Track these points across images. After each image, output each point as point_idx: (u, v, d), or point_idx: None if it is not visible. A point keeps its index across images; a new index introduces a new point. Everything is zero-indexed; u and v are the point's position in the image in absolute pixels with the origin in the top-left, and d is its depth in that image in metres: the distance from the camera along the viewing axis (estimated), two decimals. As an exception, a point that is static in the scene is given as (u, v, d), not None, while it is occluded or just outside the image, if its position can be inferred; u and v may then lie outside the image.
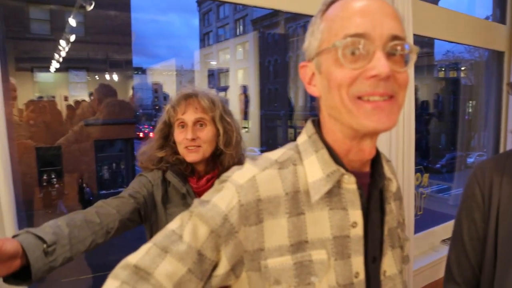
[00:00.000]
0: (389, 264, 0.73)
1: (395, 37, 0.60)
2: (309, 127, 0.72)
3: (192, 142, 1.22)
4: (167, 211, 1.23)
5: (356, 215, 0.67)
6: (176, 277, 0.62)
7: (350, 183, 0.67)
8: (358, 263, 0.67)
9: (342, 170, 0.67)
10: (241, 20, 21.52)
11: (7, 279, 0.78)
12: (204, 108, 1.23)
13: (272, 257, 0.65)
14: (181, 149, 1.25)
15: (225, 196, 0.66)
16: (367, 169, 0.71)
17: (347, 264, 0.67)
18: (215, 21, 23.80)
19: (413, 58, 0.63)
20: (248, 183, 0.66)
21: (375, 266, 0.71)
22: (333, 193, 0.67)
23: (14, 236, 0.81)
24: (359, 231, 0.68)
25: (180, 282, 0.63)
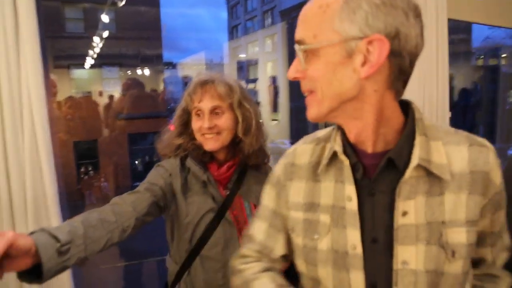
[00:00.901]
0: (412, 256, 0.70)
1: (298, 41, 0.69)
2: None
3: (209, 130, 1.20)
4: (187, 200, 1.22)
5: (350, 189, 0.74)
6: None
7: (344, 159, 0.74)
8: (354, 236, 0.72)
9: (336, 149, 0.75)
10: (269, 12, 21.39)
11: (20, 276, 0.78)
12: (221, 95, 1.20)
13: (292, 210, 0.81)
14: (198, 137, 1.22)
15: (279, 161, 0.88)
16: (369, 150, 0.73)
17: (342, 233, 0.74)
18: (243, 14, 23.78)
19: (303, 55, 0.69)
20: (291, 152, 0.86)
21: (379, 248, 0.72)
22: (337, 166, 0.76)
23: (30, 234, 0.81)
24: (353, 205, 0.73)
25: (268, 235, 0.87)
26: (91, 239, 0.91)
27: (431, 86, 2.02)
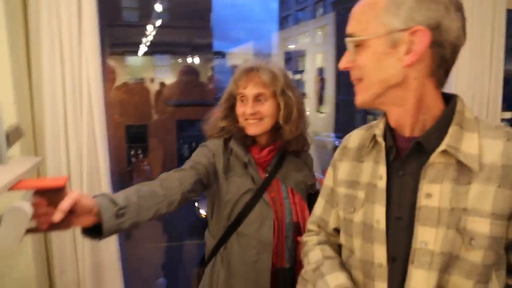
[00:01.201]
0: (432, 238, 0.73)
1: (348, 35, 0.76)
2: None
3: (252, 116, 1.24)
4: (228, 179, 1.27)
5: (382, 169, 0.81)
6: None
7: (381, 143, 0.83)
8: (379, 212, 0.79)
9: (376, 132, 0.84)
10: (321, 2, 20.97)
11: (83, 232, 0.91)
12: (264, 83, 1.23)
13: (338, 186, 0.92)
14: (242, 121, 1.27)
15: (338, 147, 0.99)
16: (406, 134, 0.79)
17: (371, 208, 0.81)
18: (294, 4, 23.47)
19: (353, 46, 0.76)
20: (347, 137, 0.96)
21: (402, 225, 0.77)
22: (376, 149, 0.85)
23: (93, 197, 0.93)
24: (382, 184, 0.80)
25: (324, 209, 0.99)
26: (142, 208, 1.01)
27: (482, 81, 1.92)
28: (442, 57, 0.74)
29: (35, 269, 1.57)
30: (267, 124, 1.25)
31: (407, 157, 0.78)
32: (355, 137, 0.93)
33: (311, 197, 1.33)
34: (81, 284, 1.69)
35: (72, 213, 0.80)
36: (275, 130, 1.28)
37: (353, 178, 0.88)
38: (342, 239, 0.91)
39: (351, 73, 0.80)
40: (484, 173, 0.72)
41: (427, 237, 0.73)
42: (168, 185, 1.12)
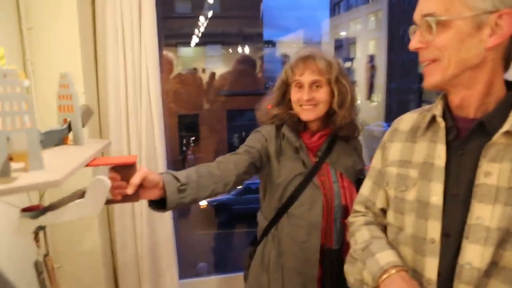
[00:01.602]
0: (488, 214, 0.75)
1: (425, 15, 0.76)
2: None
3: (308, 102, 1.28)
4: (280, 163, 1.32)
5: (440, 148, 0.83)
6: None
7: (441, 122, 0.84)
8: (437, 189, 0.81)
9: (436, 113, 0.85)
10: (374, -13, 20.15)
11: (150, 204, 1.02)
12: (320, 70, 1.27)
13: (389, 166, 0.94)
14: (296, 107, 1.31)
15: (388, 129, 1.02)
16: (470, 115, 0.82)
17: (427, 186, 0.83)
18: (347, -10, 22.73)
19: (435, 25, 0.75)
20: (398, 119, 0.99)
21: (458, 203, 0.79)
22: (433, 129, 0.87)
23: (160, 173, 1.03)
24: (441, 162, 0.82)
25: (372, 191, 1.02)
26: (201, 186, 1.11)
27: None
28: None
29: (100, 244, 1.72)
30: (321, 110, 1.30)
31: (468, 137, 0.80)
32: (407, 120, 0.96)
33: (360, 182, 1.35)
34: (140, 259, 1.83)
35: (141, 187, 0.90)
36: (327, 116, 1.33)
37: (405, 158, 0.90)
38: (391, 217, 0.94)
39: (422, 53, 0.80)
40: None
41: (483, 214, 0.75)
42: (224, 167, 1.20)
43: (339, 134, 1.35)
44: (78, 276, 1.70)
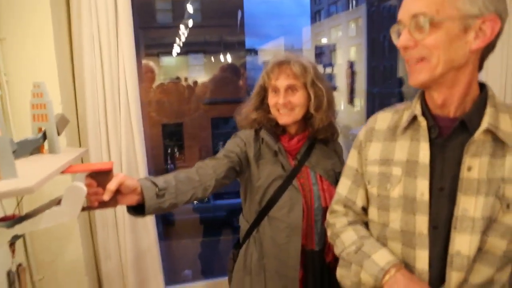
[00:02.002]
0: (472, 205, 0.82)
1: (415, 15, 0.79)
2: None
3: (284, 106, 1.30)
4: (259, 167, 1.34)
5: (424, 146, 0.87)
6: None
7: (422, 122, 0.88)
8: (423, 185, 0.86)
9: (416, 112, 0.89)
10: (353, -6, 20.47)
11: (128, 210, 1.02)
12: (295, 75, 1.29)
13: (369, 165, 0.97)
14: (274, 111, 1.34)
15: (363, 127, 1.04)
16: (451, 114, 0.87)
17: (413, 183, 0.87)
18: (327, -2, 23.05)
19: (428, 24, 0.78)
20: (372, 119, 1.02)
21: (444, 196, 0.85)
22: (413, 129, 0.91)
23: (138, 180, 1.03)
24: (426, 159, 0.86)
25: (350, 190, 1.04)
26: (180, 191, 1.12)
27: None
28: (493, 44, 0.81)
29: (83, 254, 1.71)
30: (298, 113, 1.32)
31: (451, 135, 0.86)
32: (382, 119, 1.00)
33: None
34: (124, 268, 1.82)
35: (118, 193, 0.92)
36: (305, 119, 1.36)
37: (386, 157, 0.94)
38: (374, 215, 0.97)
39: (410, 52, 0.83)
40: None
41: (468, 205, 0.82)
42: (203, 172, 1.22)
43: (317, 136, 1.38)
44: (62, 287, 1.68)
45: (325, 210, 1.36)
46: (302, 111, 1.33)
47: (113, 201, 0.93)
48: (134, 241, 1.81)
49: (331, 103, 1.36)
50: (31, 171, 0.73)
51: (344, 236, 1.02)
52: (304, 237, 1.33)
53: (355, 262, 0.96)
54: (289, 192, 1.32)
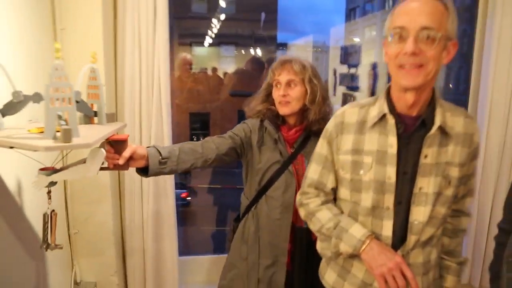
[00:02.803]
0: (426, 184, 1.05)
1: (424, 28, 0.92)
2: (387, 86, 1.13)
3: (284, 98, 1.49)
4: (261, 152, 1.54)
5: (392, 140, 1.04)
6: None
7: (390, 119, 1.05)
8: (390, 171, 1.05)
9: (386, 111, 1.05)
10: (391, -6, 20.06)
11: (137, 171, 1.32)
12: (295, 71, 1.48)
13: (342, 154, 1.12)
14: (276, 104, 1.53)
15: (330, 121, 1.18)
16: (413, 113, 1.05)
17: (382, 169, 1.05)
18: (363, -4, 22.66)
19: (436, 39, 0.93)
20: (340, 113, 1.15)
21: (406, 179, 1.06)
22: (382, 124, 1.06)
23: (147, 147, 1.31)
24: (393, 150, 1.04)
25: (321, 174, 1.19)
26: (182, 160, 1.36)
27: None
28: None
29: (112, 215, 1.98)
30: (295, 105, 1.50)
31: (414, 131, 1.05)
32: (350, 114, 1.14)
33: None
34: (145, 230, 2.09)
35: (130, 159, 1.18)
36: (302, 113, 1.53)
37: (357, 147, 1.10)
38: (346, 195, 1.15)
39: (413, 58, 0.94)
40: (455, 139, 1.06)
41: (423, 184, 1.05)
42: (207, 146, 1.44)
43: (312, 128, 1.54)
44: (92, 241, 1.97)
45: None
46: (299, 104, 1.50)
47: (125, 165, 1.20)
48: (155, 207, 2.08)
49: (325, 99, 1.52)
50: (88, 134, 0.99)
51: (320, 214, 1.18)
52: (294, 215, 1.51)
53: (335, 236, 1.13)
54: (284, 176, 1.52)
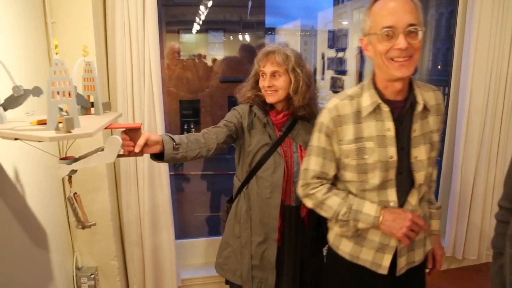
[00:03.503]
0: (419, 153, 1.24)
1: (410, 25, 1.07)
2: (369, 76, 1.26)
3: (269, 88, 1.57)
4: (251, 135, 1.63)
5: (389, 124, 1.20)
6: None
7: (384, 107, 1.20)
8: (391, 151, 1.21)
9: (379, 101, 1.20)
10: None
11: (151, 156, 1.37)
12: (278, 63, 1.54)
13: (346, 144, 1.24)
14: (263, 92, 1.61)
15: (323, 115, 1.27)
16: (400, 98, 1.22)
17: (384, 150, 1.21)
18: (350, -22, 22.53)
19: (421, 33, 1.09)
20: (333, 107, 1.25)
21: (404, 153, 1.23)
22: (376, 112, 1.21)
23: (160, 135, 1.36)
24: (391, 133, 1.21)
25: (323, 165, 1.31)
26: (190, 148, 1.44)
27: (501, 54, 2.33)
28: None
29: (109, 203, 2.04)
30: (281, 94, 1.58)
31: (404, 113, 1.23)
32: (342, 107, 1.25)
33: None
34: (142, 218, 2.16)
35: (145, 145, 1.24)
36: (289, 99, 1.61)
37: (358, 136, 1.23)
38: (352, 177, 1.28)
39: (405, 52, 1.09)
40: (431, 111, 1.26)
41: (417, 154, 1.24)
42: (208, 137, 1.52)
43: (297, 114, 1.63)
44: (91, 230, 2.03)
45: None
46: (285, 93, 1.58)
47: (140, 152, 1.25)
48: (151, 195, 2.14)
49: (308, 86, 1.58)
50: (88, 124, 1.05)
51: (330, 201, 1.31)
52: (283, 194, 1.61)
53: (352, 219, 1.27)
54: (273, 157, 1.60)
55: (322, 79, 5.91)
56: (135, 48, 1.91)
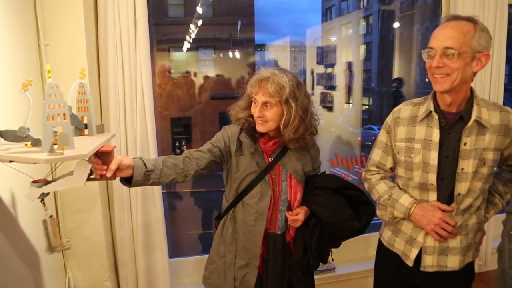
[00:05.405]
0: (466, 165, 1.36)
1: (446, 48, 1.26)
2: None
3: (259, 118, 1.50)
4: (238, 161, 1.58)
5: (435, 131, 1.38)
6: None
7: (434, 115, 1.38)
8: (434, 155, 1.38)
9: (432, 109, 1.39)
10: (364, -8, 20.38)
11: (121, 180, 1.36)
12: (270, 93, 1.44)
13: (398, 142, 1.48)
14: (254, 118, 1.54)
15: (390, 115, 1.54)
16: (453, 110, 1.38)
17: (427, 153, 1.39)
18: (338, -5, 22.94)
19: (455, 55, 1.25)
20: (397, 110, 1.52)
21: (448, 161, 1.38)
22: (429, 119, 1.40)
23: (133, 158, 1.35)
24: (436, 139, 1.38)
25: (382, 157, 1.57)
26: (164, 174, 1.41)
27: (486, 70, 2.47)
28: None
29: (102, 222, 2.03)
30: (271, 125, 1.52)
31: (453, 124, 1.37)
32: (404, 111, 1.49)
33: (313, 176, 1.65)
34: (135, 237, 2.15)
35: (117, 169, 1.25)
36: (280, 128, 1.53)
37: (409, 136, 1.44)
38: (402, 172, 1.50)
39: (439, 70, 1.29)
40: (491, 129, 1.36)
41: (464, 166, 1.37)
42: (187, 162, 1.48)
43: (289, 146, 1.57)
44: (84, 248, 2.03)
45: (289, 202, 1.61)
46: (275, 124, 1.50)
47: (112, 176, 1.25)
48: (144, 214, 2.14)
49: (302, 120, 1.48)
50: (81, 145, 1.06)
51: (378, 187, 1.57)
52: (268, 222, 1.60)
53: (389, 205, 1.52)
54: (261, 185, 1.56)
55: (312, 94, 5.99)
56: (127, 68, 1.93)
